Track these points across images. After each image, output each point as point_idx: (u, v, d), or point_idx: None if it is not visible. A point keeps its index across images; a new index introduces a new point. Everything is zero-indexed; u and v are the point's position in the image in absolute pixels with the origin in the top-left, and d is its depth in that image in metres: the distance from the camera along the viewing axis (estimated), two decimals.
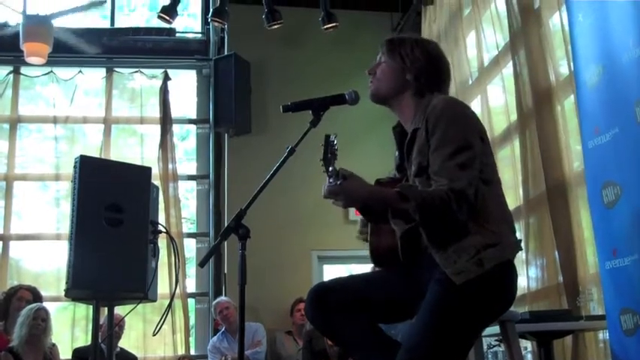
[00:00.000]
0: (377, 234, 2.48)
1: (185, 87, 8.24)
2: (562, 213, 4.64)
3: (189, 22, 8.56)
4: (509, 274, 2.30)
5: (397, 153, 2.56)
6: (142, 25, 8.28)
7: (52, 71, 7.69)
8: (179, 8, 7.02)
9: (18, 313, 5.41)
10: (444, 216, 2.19)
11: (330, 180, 2.24)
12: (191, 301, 7.52)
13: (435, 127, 2.27)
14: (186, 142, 8.39)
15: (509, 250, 2.28)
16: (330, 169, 2.25)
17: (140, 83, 7.95)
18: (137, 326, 6.97)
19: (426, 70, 2.43)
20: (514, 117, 5.38)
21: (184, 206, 7.85)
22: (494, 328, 3.62)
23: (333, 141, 2.29)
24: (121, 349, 6.19)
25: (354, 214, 6.97)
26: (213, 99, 7.74)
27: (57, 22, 6.80)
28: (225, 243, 2.58)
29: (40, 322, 5.26)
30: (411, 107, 2.44)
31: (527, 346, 4.63)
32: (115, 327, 5.85)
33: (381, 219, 2.39)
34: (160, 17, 6.92)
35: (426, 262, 2.30)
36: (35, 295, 5.83)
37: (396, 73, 2.45)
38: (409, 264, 2.40)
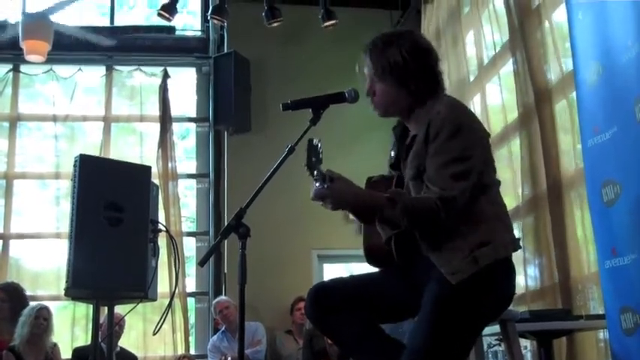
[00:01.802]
0: (370, 234, 2.48)
1: (185, 85, 8.24)
2: (561, 212, 4.63)
3: (188, 20, 8.56)
4: (505, 272, 2.30)
5: (392, 152, 2.54)
6: (142, 22, 8.28)
7: (51, 69, 7.70)
8: (179, 6, 7.02)
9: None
10: (431, 224, 2.21)
11: (317, 184, 2.24)
12: (191, 301, 7.52)
13: (437, 135, 2.25)
14: (186, 141, 8.39)
15: (503, 248, 2.27)
16: (316, 173, 2.23)
17: (140, 81, 7.95)
18: (137, 325, 6.97)
19: (423, 76, 2.38)
20: (512, 116, 5.37)
21: (184, 205, 7.86)
22: (495, 328, 3.62)
23: (317, 145, 2.27)
24: (121, 348, 6.19)
25: None
26: (212, 97, 7.74)
27: (57, 19, 6.78)
28: (225, 242, 2.58)
29: (42, 321, 5.26)
30: (414, 111, 2.41)
31: (526, 345, 4.63)
32: (115, 326, 5.86)
33: (372, 220, 2.38)
34: (159, 15, 6.92)
35: (422, 263, 2.30)
36: (10, 293, 5.65)
37: (398, 93, 2.39)
38: (405, 265, 2.40)
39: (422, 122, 2.34)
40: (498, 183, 2.41)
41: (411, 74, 2.36)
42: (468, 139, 2.26)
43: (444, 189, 2.18)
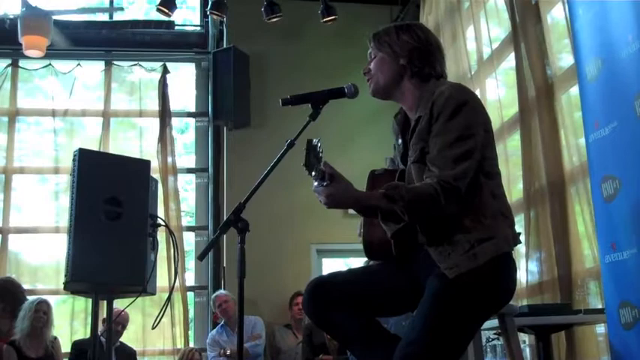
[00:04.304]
0: (370, 227, 2.47)
1: (184, 80, 8.24)
2: (561, 207, 4.64)
3: (188, 15, 8.54)
4: (506, 267, 2.29)
5: (400, 142, 2.52)
6: (141, 17, 8.26)
7: (50, 64, 7.67)
8: (178, 1, 7.01)
9: None
10: (432, 211, 2.19)
11: (316, 183, 2.25)
12: (190, 295, 7.52)
13: (440, 114, 2.24)
14: (186, 136, 8.39)
15: (505, 244, 2.26)
16: (314, 173, 2.24)
17: (139, 76, 7.93)
18: (136, 319, 6.97)
19: (417, 50, 2.40)
20: (512, 111, 5.37)
21: (183, 199, 7.87)
22: (493, 322, 3.63)
23: (317, 145, 2.27)
24: (120, 342, 6.19)
25: None
26: (212, 92, 7.73)
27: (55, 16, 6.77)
28: (225, 236, 2.58)
29: (42, 314, 5.26)
30: (413, 93, 2.41)
31: (525, 339, 4.64)
32: (118, 326, 5.85)
33: (374, 214, 2.38)
34: (158, 10, 6.91)
35: (422, 258, 2.30)
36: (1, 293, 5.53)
37: (389, 62, 2.43)
38: (404, 259, 2.40)
39: (425, 104, 2.33)
40: (499, 175, 2.39)
41: (407, 48, 2.40)
42: (470, 117, 2.25)
43: (443, 169, 2.17)
